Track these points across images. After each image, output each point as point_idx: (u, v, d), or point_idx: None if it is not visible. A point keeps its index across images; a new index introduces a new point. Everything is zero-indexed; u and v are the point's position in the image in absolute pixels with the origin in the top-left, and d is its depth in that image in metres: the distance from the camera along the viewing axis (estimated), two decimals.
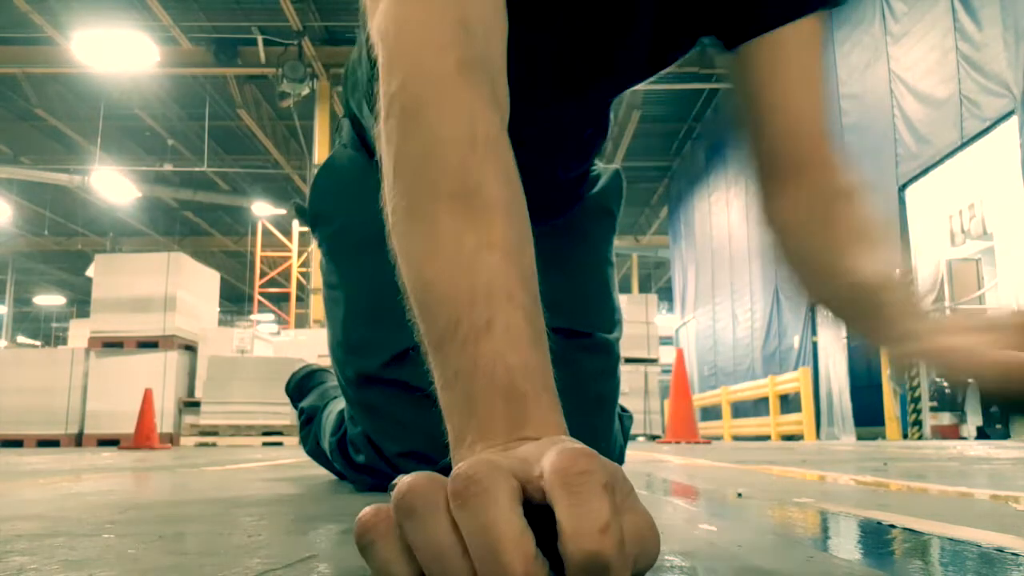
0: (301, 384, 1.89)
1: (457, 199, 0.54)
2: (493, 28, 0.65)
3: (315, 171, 1.37)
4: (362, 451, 1.25)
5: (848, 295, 0.82)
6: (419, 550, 0.40)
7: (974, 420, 6.59)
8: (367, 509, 0.43)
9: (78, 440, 7.89)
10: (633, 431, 9.70)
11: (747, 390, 10.78)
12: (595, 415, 1.28)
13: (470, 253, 0.52)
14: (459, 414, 0.49)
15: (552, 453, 0.40)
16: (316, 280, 11.66)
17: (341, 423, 1.40)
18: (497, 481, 0.38)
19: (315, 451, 1.74)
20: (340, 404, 1.53)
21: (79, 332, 10.54)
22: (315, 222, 1.34)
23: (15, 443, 7.66)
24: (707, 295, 13.19)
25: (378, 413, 1.21)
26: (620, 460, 1.36)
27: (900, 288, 0.78)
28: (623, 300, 10.44)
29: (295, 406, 1.85)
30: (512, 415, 0.47)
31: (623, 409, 1.43)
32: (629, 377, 9.49)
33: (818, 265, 0.87)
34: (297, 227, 16.04)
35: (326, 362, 1.57)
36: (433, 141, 0.57)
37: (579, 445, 0.41)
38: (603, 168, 1.40)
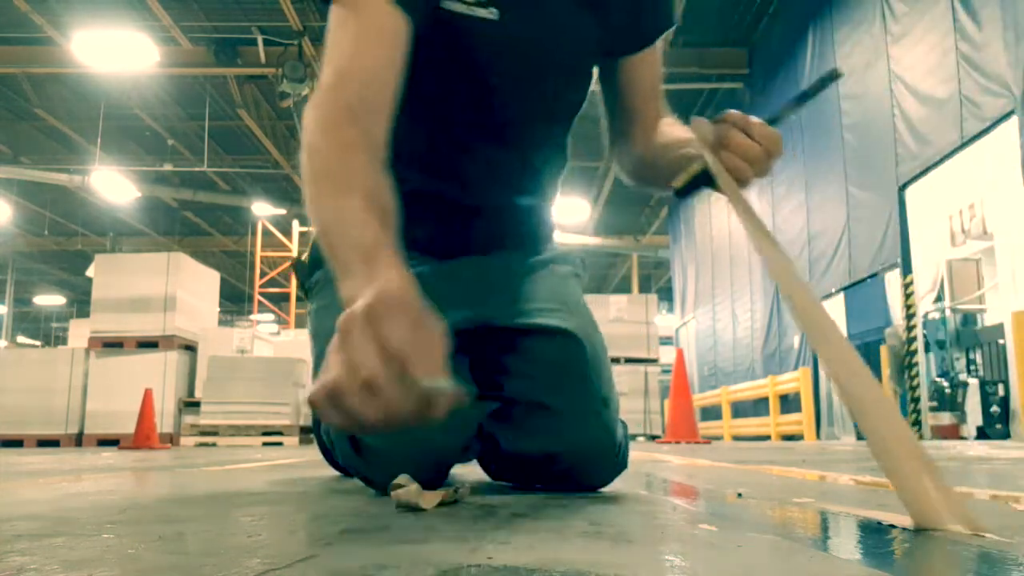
0: None
1: (320, 176, 0.93)
2: (377, 95, 1.00)
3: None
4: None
5: (672, 165, 1.17)
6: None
7: (974, 420, 6.59)
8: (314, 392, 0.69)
9: (78, 440, 7.89)
10: (633, 431, 9.71)
11: (747, 390, 10.78)
12: (600, 410, 1.31)
13: (336, 193, 0.89)
14: (341, 284, 0.82)
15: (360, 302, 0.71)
16: None
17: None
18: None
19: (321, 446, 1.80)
20: None
21: (79, 332, 10.54)
22: (313, 274, 1.43)
23: (15, 443, 7.66)
24: (707, 295, 13.19)
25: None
26: (624, 464, 1.36)
27: (690, 143, 1.12)
28: (623, 300, 10.43)
29: None
30: (368, 272, 0.79)
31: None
32: (629, 377, 9.49)
33: (654, 161, 1.28)
34: (297, 227, 16.05)
35: None
36: (311, 157, 0.93)
37: (365, 301, 0.71)
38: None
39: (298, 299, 15.92)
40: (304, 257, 1.49)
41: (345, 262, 0.83)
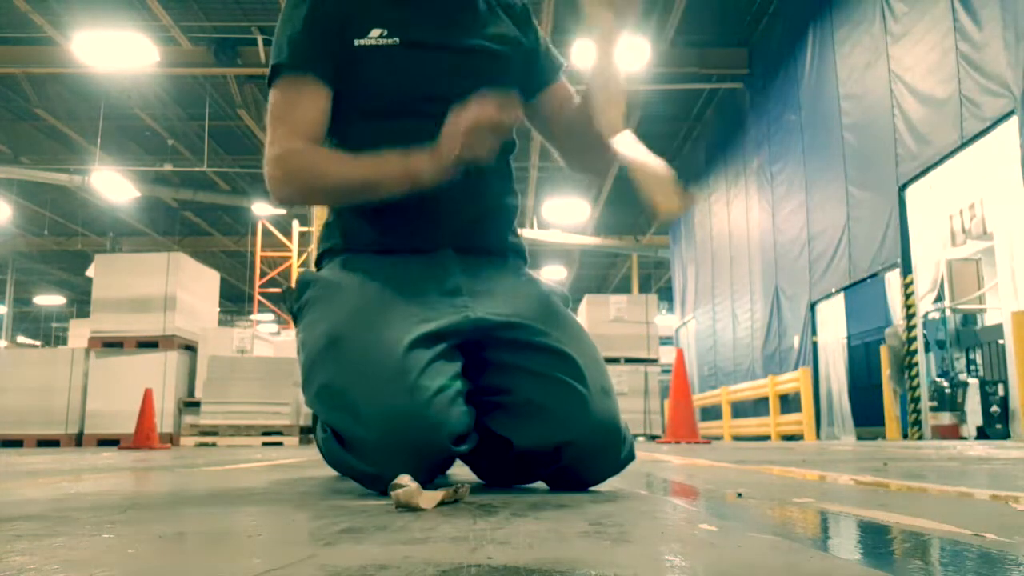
0: None
1: (317, 167, 1.44)
2: (313, 133, 1.45)
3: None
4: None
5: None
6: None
7: (974, 420, 6.59)
8: None
9: (78, 440, 7.89)
10: (633, 431, 9.72)
11: (747, 390, 10.78)
12: (604, 399, 1.34)
13: (342, 167, 1.41)
14: (402, 174, 1.38)
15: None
16: None
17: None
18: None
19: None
20: None
21: (79, 332, 10.55)
22: (299, 308, 1.52)
23: (15, 443, 7.66)
24: (707, 295, 13.19)
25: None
26: (631, 455, 1.39)
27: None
28: (623, 300, 10.42)
29: None
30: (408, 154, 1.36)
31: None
32: (629, 377, 9.49)
33: (584, 142, 1.55)
34: (297, 227, 16.05)
35: None
36: (287, 170, 1.44)
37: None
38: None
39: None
40: (291, 286, 1.60)
41: (392, 166, 1.36)
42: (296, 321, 1.52)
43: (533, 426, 1.30)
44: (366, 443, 1.21)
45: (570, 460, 1.30)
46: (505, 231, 1.56)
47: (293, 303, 1.54)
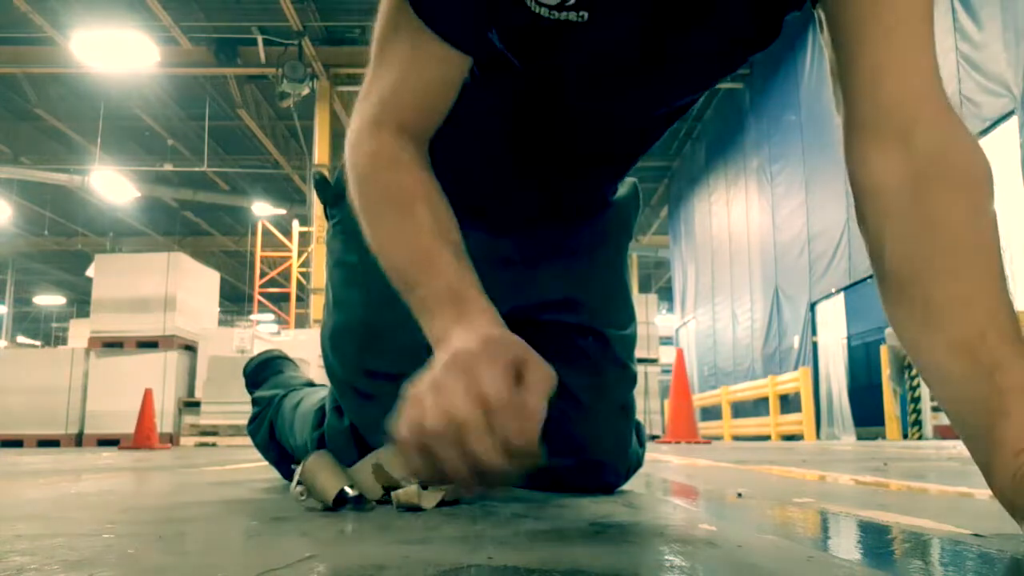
0: (257, 371, 1.84)
1: (391, 202, 0.90)
2: (428, 118, 0.94)
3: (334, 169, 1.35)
4: (342, 446, 1.25)
5: (945, 347, 0.71)
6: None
7: None
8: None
9: (78, 440, 7.89)
10: None
11: (747, 390, 10.78)
12: (619, 419, 1.32)
13: (405, 235, 0.87)
14: (427, 322, 0.81)
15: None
16: (316, 280, 11.62)
17: (322, 418, 1.35)
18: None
19: (266, 445, 1.68)
20: (311, 398, 1.50)
21: (79, 332, 10.54)
22: (339, 195, 1.27)
23: (15, 443, 7.66)
24: (707, 295, 13.18)
25: (379, 404, 1.12)
26: (639, 464, 1.39)
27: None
28: None
29: (250, 391, 1.81)
30: (458, 313, 0.78)
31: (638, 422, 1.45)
32: None
33: (912, 273, 0.75)
34: (297, 227, 16.04)
35: None
36: (364, 173, 0.92)
37: (471, 344, 0.71)
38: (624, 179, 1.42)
39: (298, 299, 15.92)
40: (329, 178, 1.35)
41: (428, 300, 0.81)
42: (333, 203, 1.30)
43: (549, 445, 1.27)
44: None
45: (574, 480, 1.29)
46: (598, 206, 1.33)
47: (332, 189, 1.31)
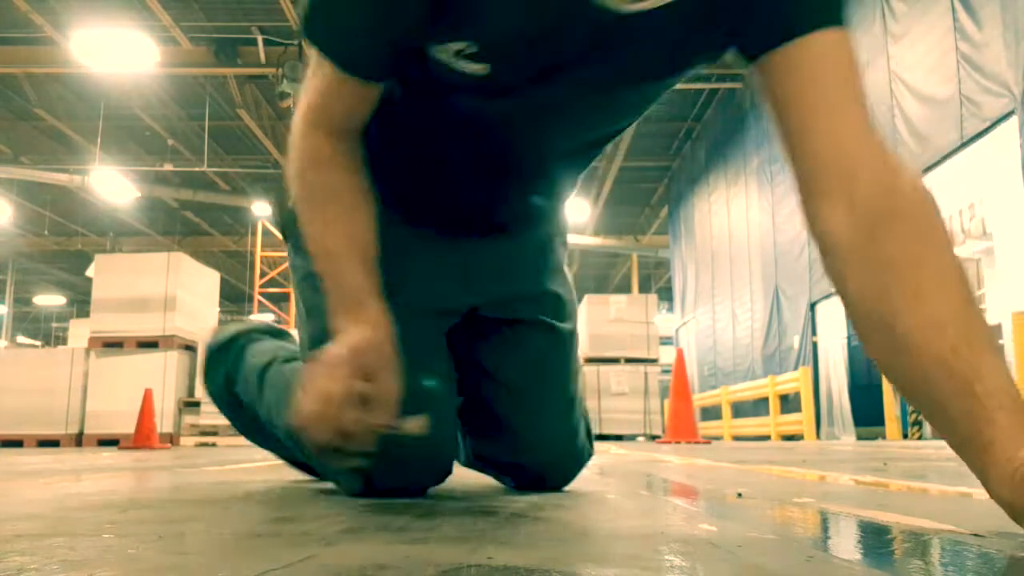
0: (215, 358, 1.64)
1: (317, 202, 1.07)
2: (352, 128, 1.07)
3: None
4: None
5: (919, 368, 0.76)
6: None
7: None
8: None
9: (78, 440, 7.89)
10: (633, 431, 9.71)
11: (747, 390, 10.78)
12: (567, 409, 1.37)
13: (325, 234, 1.05)
14: (329, 310, 1.03)
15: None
16: None
17: None
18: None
19: (221, 394, 1.58)
20: (284, 370, 1.43)
21: (79, 332, 10.55)
22: (290, 221, 1.35)
23: (15, 443, 7.66)
24: (707, 295, 13.18)
25: None
26: (588, 456, 1.44)
27: (993, 378, 0.70)
28: (623, 300, 10.43)
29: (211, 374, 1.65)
30: (354, 316, 1.00)
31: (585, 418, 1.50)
32: (629, 377, 9.49)
33: (875, 307, 0.81)
34: None
35: None
36: (298, 170, 1.07)
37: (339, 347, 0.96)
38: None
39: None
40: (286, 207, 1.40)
41: (337, 296, 1.02)
42: (290, 226, 1.35)
43: (498, 445, 1.37)
44: (384, 461, 1.18)
45: (527, 474, 1.37)
46: (541, 223, 1.38)
47: (284, 215, 1.37)
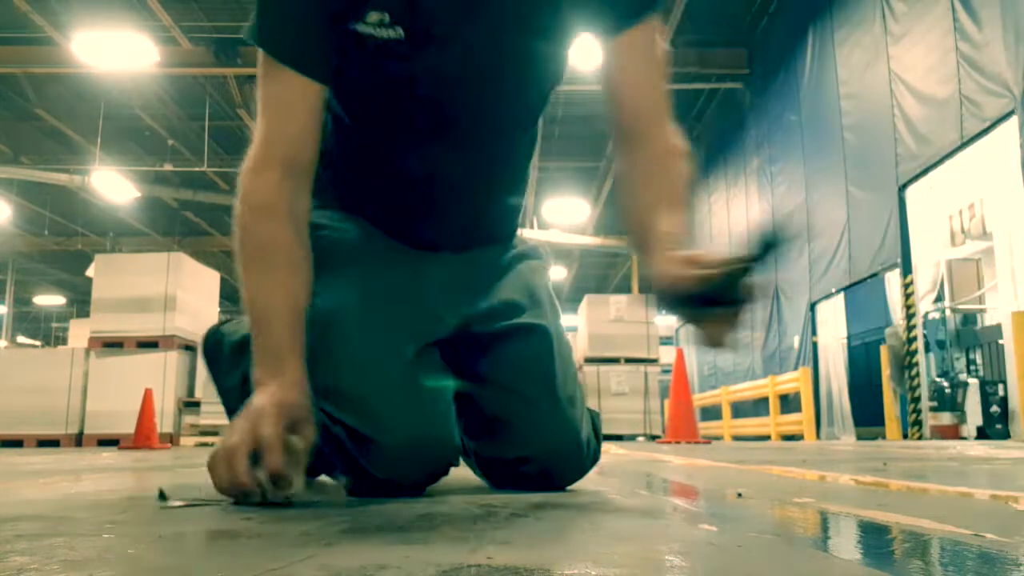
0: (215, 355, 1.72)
1: (254, 257, 1.21)
2: (304, 154, 1.18)
3: None
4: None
5: (645, 241, 1.17)
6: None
7: (974, 420, 6.59)
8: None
9: (78, 440, 7.89)
10: (633, 431, 9.71)
11: (747, 390, 10.78)
12: (567, 409, 1.37)
13: (258, 289, 1.16)
14: (254, 362, 1.12)
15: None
16: None
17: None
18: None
19: (235, 392, 1.47)
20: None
21: (79, 332, 10.55)
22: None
23: (15, 443, 7.66)
24: None
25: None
26: (595, 458, 1.43)
27: (670, 239, 1.11)
28: (623, 300, 10.42)
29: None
30: (276, 371, 1.10)
31: (592, 411, 1.50)
32: (629, 377, 9.49)
33: (636, 217, 1.22)
34: None
35: None
36: (240, 223, 1.23)
37: (261, 402, 1.06)
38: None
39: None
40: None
41: (258, 349, 1.12)
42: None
43: (497, 443, 1.36)
44: (383, 455, 1.19)
45: (530, 471, 1.35)
46: (509, 226, 1.49)
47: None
